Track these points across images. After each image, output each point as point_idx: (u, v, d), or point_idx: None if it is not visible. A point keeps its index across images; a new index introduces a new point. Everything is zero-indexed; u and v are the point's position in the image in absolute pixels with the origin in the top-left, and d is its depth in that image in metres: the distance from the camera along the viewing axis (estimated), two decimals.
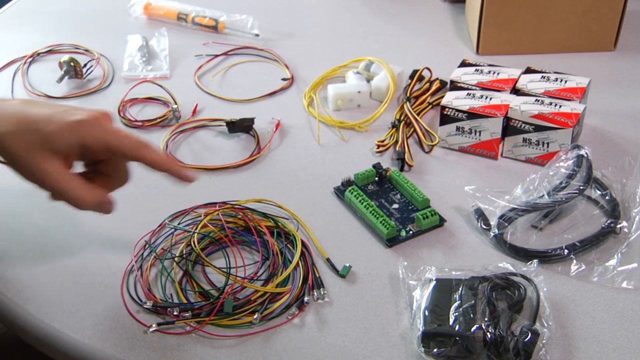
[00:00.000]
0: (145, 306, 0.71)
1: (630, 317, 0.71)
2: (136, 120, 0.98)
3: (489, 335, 0.65)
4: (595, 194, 0.83)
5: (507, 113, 0.88)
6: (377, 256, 0.78)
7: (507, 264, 0.74)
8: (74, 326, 0.70)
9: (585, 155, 0.82)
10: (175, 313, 0.70)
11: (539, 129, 0.87)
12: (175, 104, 0.99)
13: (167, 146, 0.93)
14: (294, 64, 1.10)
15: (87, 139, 0.68)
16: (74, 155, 0.71)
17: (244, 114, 0.97)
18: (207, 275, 0.75)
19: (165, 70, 1.08)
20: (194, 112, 0.99)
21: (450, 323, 0.67)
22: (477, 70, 0.97)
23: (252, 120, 0.95)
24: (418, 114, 0.97)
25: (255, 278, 0.75)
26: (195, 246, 0.76)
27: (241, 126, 0.95)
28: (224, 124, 0.96)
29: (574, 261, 0.76)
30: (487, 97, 0.91)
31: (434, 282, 0.71)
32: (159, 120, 0.97)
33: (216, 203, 0.83)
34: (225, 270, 0.75)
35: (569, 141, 0.87)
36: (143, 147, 0.71)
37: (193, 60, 1.11)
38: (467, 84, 0.95)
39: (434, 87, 1.01)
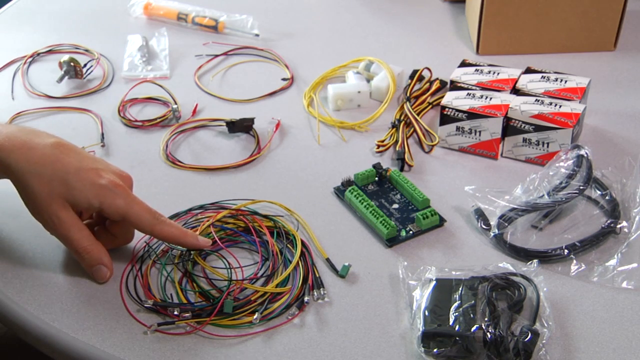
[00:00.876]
0: (145, 305, 0.71)
1: (630, 317, 0.71)
2: (136, 120, 0.98)
3: (489, 335, 0.65)
4: (595, 194, 0.83)
5: (507, 113, 0.88)
6: (377, 256, 0.78)
7: (507, 264, 0.74)
8: (74, 326, 0.70)
9: (585, 155, 0.82)
10: (175, 313, 0.70)
11: (539, 129, 0.87)
12: (175, 104, 0.99)
13: (167, 146, 0.93)
14: (294, 64, 1.10)
15: (106, 205, 0.72)
16: (90, 212, 0.77)
17: (244, 114, 0.97)
18: (207, 276, 0.75)
19: (165, 70, 1.08)
20: (194, 112, 0.99)
21: (450, 323, 0.67)
22: (477, 70, 0.97)
23: (252, 120, 0.95)
24: (418, 114, 0.97)
25: (255, 278, 0.75)
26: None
27: (241, 126, 0.95)
28: (224, 124, 0.96)
29: (574, 261, 0.76)
30: (487, 97, 0.91)
31: (434, 282, 0.71)
32: (159, 120, 0.97)
33: (216, 203, 0.83)
34: (226, 272, 0.75)
35: (569, 141, 0.87)
36: (158, 222, 0.74)
37: (193, 60, 1.11)
38: (467, 84, 0.95)
39: (434, 87, 1.01)
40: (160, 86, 1.02)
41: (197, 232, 0.78)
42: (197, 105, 1.00)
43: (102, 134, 0.95)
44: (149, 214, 0.74)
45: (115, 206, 0.72)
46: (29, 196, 0.72)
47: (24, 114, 0.99)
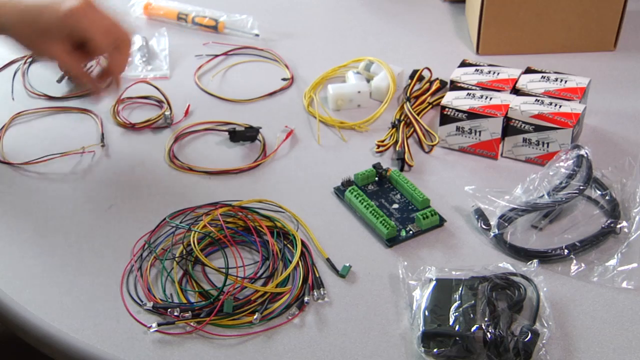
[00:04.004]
0: (145, 307, 0.71)
1: (630, 317, 0.71)
2: (128, 122, 0.97)
3: (489, 335, 0.65)
4: (595, 194, 0.83)
5: (507, 113, 0.88)
6: (377, 256, 0.78)
7: (507, 264, 0.74)
8: (74, 326, 0.70)
9: (585, 155, 0.82)
10: (175, 313, 0.70)
11: (539, 129, 0.87)
12: (169, 108, 0.98)
13: (171, 148, 0.92)
14: (294, 64, 1.09)
15: (75, 29, 0.82)
16: (73, 39, 0.83)
17: (244, 114, 0.97)
18: (207, 275, 0.75)
19: (165, 70, 1.08)
20: (186, 113, 0.98)
21: (450, 323, 0.67)
22: (477, 70, 0.97)
23: (256, 131, 0.94)
24: (418, 114, 0.97)
25: (255, 278, 0.75)
26: (195, 246, 0.76)
27: (244, 136, 0.94)
28: (227, 131, 0.94)
29: (574, 261, 0.76)
30: (487, 97, 0.91)
31: (434, 282, 0.71)
32: (149, 122, 0.97)
33: (216, 203, 0.83)
34: (224, 270, 0.75)
35: (569, 141, 0.87)
36: (113, 51, 0.85)
37: (193, 60, 1.11)
38: (467, 84, 0.95)
39: (434, 87, 1.01)
40: (156, 87, 1.01)
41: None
42: (189, 106, 0.99)
43: (102, 134, 0.95)
44: (108, 40, 0.84)
45: (80, 29, 0.81)
46: (26, 44, 0.83)
47: (24, 114, 0.99)
